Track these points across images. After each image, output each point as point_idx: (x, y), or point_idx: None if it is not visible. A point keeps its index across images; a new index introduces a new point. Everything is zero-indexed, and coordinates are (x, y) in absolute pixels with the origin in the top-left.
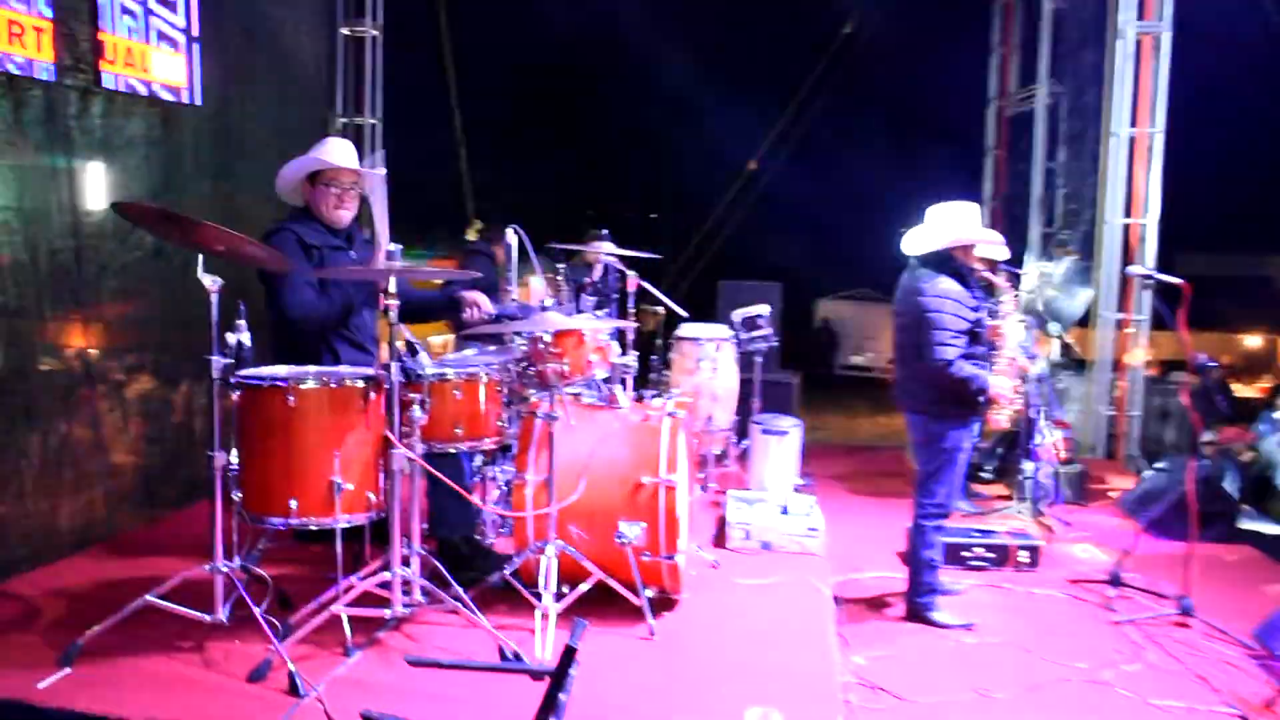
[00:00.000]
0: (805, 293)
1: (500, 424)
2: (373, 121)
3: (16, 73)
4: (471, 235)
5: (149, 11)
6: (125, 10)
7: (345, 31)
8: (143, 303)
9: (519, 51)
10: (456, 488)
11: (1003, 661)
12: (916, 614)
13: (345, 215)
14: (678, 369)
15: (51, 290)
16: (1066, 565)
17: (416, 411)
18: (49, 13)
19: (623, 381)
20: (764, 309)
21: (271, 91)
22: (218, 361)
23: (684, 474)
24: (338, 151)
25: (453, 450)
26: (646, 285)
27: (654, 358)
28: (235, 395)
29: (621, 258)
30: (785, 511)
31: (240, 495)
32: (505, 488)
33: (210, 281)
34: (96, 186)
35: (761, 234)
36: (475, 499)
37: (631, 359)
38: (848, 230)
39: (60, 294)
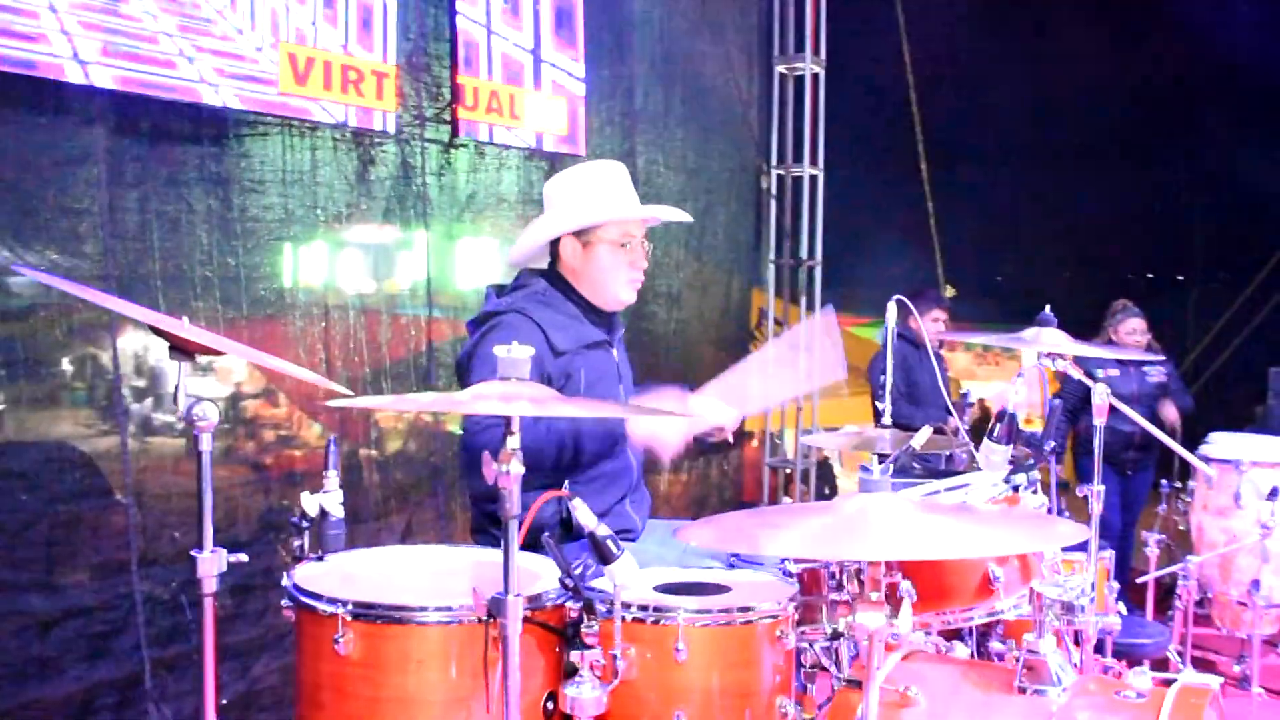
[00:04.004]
0: None
1: (782, 710)
2: (813, 172)
3: (359, 126)
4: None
5: (525, 50)
6: (494, 48)
7: (781, 69)
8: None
9: (999, 95)
10: None
11: None
12: None
13: (634, 292)
14: (1201, 503)
15: (398, 375)
16: None
17: (585, 688)
18: (396, 56)
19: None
20: None
21: (689, 138)
22: (210, 560)
23: None
24: (625, 188)
25: None
26: (1122, 407)
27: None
28: (287, 609)
29: (1079, 360)
30: None
31: None
32: None
33: (192, 410)
34: (461, 254)
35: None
36: None
37: (1083, 582)
38: None
39: (408, 379)
